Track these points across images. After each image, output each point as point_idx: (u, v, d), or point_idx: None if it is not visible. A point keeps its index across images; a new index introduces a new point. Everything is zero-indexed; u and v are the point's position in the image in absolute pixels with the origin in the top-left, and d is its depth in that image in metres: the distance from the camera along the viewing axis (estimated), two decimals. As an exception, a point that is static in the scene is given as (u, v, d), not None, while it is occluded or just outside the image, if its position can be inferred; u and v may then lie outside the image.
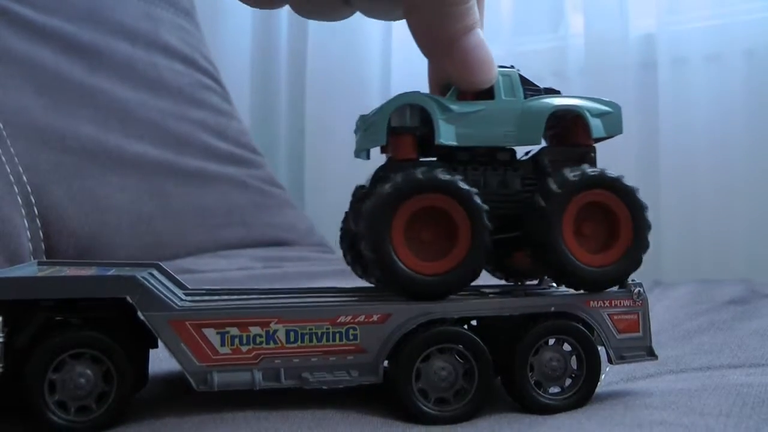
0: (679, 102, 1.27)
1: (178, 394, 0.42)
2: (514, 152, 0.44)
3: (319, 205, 1.47)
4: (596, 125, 0.43)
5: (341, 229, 0.51)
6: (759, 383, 0.45)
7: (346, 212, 0.50)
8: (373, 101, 1.52)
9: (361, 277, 0.50)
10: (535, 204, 0.41)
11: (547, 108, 0.43)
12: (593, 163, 0.43)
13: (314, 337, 0.41)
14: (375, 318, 0.41)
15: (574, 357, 0.43)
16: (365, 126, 0.43)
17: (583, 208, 0.41)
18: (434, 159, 0.43)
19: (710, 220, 1.25)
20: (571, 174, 0.41)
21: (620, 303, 0.44)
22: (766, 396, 0.42)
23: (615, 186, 0.41)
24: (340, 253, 0.53)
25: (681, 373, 0.50)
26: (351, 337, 0.41)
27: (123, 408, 0.39)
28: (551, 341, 0.43)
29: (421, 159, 0.43)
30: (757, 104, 1.22)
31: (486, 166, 0.43)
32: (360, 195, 0.47)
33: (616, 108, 0.44)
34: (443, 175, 0.39)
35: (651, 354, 0.45)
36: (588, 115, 0.43)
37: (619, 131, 0.44)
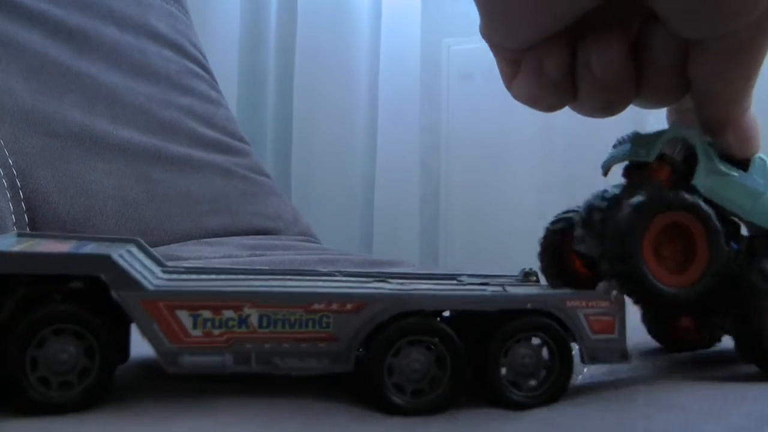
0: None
1: (158, 375, 0.42)
2: (738, 226, 0.46)
3: (306, 195, 1.48)
4: None
5: (541, 255, 0.52)
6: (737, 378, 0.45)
7: (548, 228, 0.53)
8: (361, 92, 1.53)
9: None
10: (748, 282, 0.44)
11: None
12: None
13: (287, 323, 0.40)
14: (349, 307, 0.41)
15: (547, 354, 0.43)
16: (636, 141, 0.45)
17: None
18: None
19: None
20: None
21: (597, 304, 0.44)
22: (747, 392, 0.42)
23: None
24: (323, 243, 0.53)
25: (648, 369, 0.50)
26: (324, 325, 0.41)
27: (106, 384, 0.39)
28: (525, 338, 0.43)
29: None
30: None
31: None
32: (596, 205, 0.47)
33: None
34: (690, 196, 0.42)
35: (624, 356, 0.44)
36: None
37: None
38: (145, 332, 0.39)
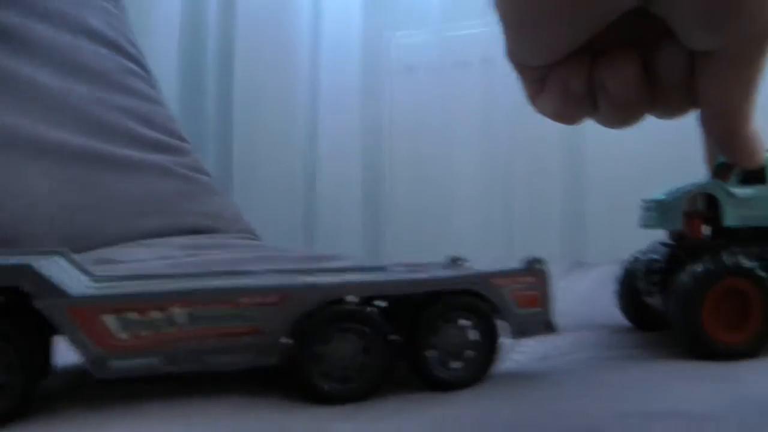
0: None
1: (84, 384, 0.42)
2: None
3: (248, 191, 1.47)
4: None
5: (620, 285, 0.60)
6: (658, 360, 0.47)
7: (624, 272, 0.60)
8: (302, 86, 1.52)
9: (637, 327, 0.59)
10: None
11: None
12: None
13: (214, 320, 0.40)
14: (273, 299, 0.41)
15: (475, 333, 0.44)
16: (660, 210, 0.52)
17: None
18: (720, 239, 0.51)
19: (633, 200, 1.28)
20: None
21: (522, 280, 0.45)
22: (661, 372, 0.43)
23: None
24: (265, 239, 0.54)
25: (591, 351, 0.51)
26: (250, 319, 0.41)
27: (27, 400, 0.38)
28: (453, 318, 0.43)
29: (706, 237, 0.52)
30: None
31: (761, 240, 0.50)
32: (656, 267, 0.53)
33: None
34: (745, 262, 0.47)
35: (550, 328, 0.46)
36: None
37: None
38: (72, 340, 0.39)
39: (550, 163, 1.36)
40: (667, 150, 1.25)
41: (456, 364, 0.43)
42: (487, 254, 1.30)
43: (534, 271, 0.45)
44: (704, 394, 0.37)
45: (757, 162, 0.46)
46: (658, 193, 0.54)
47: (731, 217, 0.50)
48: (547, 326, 0.46)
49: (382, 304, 0.45)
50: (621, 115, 0.44)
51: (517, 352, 0.53)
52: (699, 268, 0.48)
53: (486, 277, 0.44)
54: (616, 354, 0.50)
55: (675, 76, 0.43)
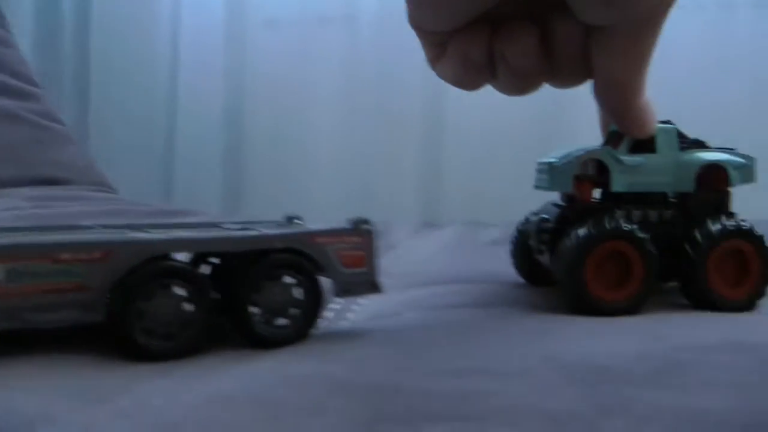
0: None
1: None
2: (666, 194, 0.55)
3: (105, 142, 1.43)
4: (735, 176, 0.54)
5: (513, 244, 0.63)
6: (484, 318, 0.48)
7: (515, 233, 0.63)
8: (162, 37, 1.48)
9: (530, 283, 0.62)
10: (689, 244, 0.52)
11: (699, 162, 0.54)
12: (729, 206, 0.55)
13: (35, 276, 0.39)
14: (96, 255, 0.40)
15: (299, 291, 0.44)
16: (552, 173, 0.54)
17: (724, 252, 0.52)
18: (608, 202, 0.54)
19: (490, 163, 1.32)
20: (712, 227, 0.52)
21: (347, 239, 0.45)
22: (482, 330, 0.45)
23: (749, 235, 0.53)
24: (122, 193, 0.53)
25: (421, 311, 0.53)
26: (74, 275, 0.40)
27: None
28: (277, 276, 0.44)
29: (596, 200, 0.55)
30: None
31: (646, 205, 0.53)
32: (545, 227, 0.56)
33: (752, 160, 0.55)
34: (626, 226, 0.51)
35: (375, 288, 0.47)
36: (730, 168, 0.54)
37: (753, 181, 0.55)
38: None
39: (409, 122, 1.37)
40: (524, 112, 1.28)
41: (280, 322, 0.44)
42: (345, 213, 1.31)
43: (360, 231, 0.46)
44: (514, 352, 0.39)
45: (647, 132, 0.52)
46: (551, 156, 0.56)
47: (618, 183, 0.53)
48: (372, 286, 0.47)
49: (216, 261, 0.46)
50: (519, 83, 0.48)
51: (350, 311, 0.55)
52: (583, 230, 0.51)
53: (310, 236, 0.45)
54: (453, 312, 0.52)
55: (570, 49, 0.46)
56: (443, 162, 1.37)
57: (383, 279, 0.65)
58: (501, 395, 0.30)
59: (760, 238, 0.53)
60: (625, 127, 0.53)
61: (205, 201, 1.40)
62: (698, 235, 0.52)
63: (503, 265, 0.68)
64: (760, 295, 0.53)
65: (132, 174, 1.37)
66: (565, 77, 0.49)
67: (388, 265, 0.73)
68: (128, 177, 1.29)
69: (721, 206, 0.55)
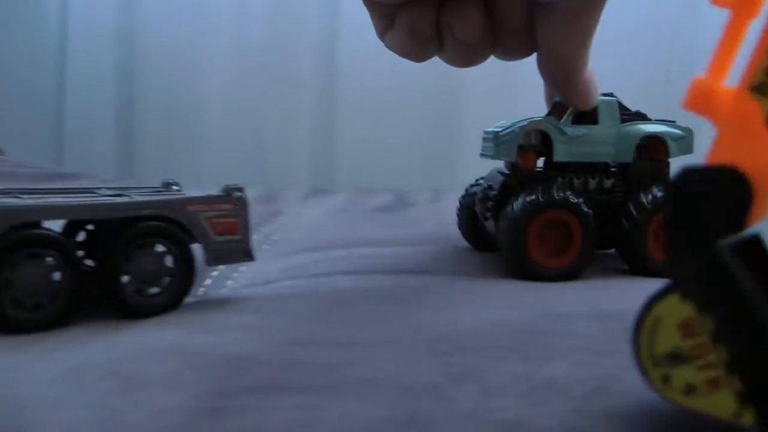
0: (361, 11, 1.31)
1: None
2: (608, 163, 0.57)
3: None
4: (674, 147, 0.56)
5: (459, 212, 0.64)
6: (361, 287, 0.48)
7: (462, 199, 0.64)
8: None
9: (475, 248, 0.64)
10: (628, 213, 0.55)
11: (639, 134, 0.56)
12: (668, 175, 0.57)
13: None
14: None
15: (170, 259, 0.44)
16: (497, 142, 0.55)
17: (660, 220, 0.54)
18: (551, 171, 0.56)
19: (383, 130, 1.33)
20: (644, 199, 0.54)
21: (219, 207, 0.45)
22: (357, 299, 0.45)
23: None
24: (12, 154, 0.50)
25: (298, 279, 0.53)
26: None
27: None
28: (147, 244, 0.43)
29: (539, 169, 0.57)
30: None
31: (587, 173, 0.56)
32: (490, 194, 0.57)
33: (690, 132, 0.57)
34: (567, 195, 0.52)
35: (248, 256, 0.46)
36: (669, 140, 0.56)
37: (690, 152, 0.57)
38: None
39: (303, 85, 1.36)
40: (421, 78, 1.29)
41: (152, 291, 0.43)
42: (237, 175, 1.30)
43: (232, 198, 0.45)
44: (382, 323, 0.39)
45: (590, 105, 0.55)
46: (497, 125, 0.57)
47: (561, 153, 0.55)
48: (245, 254, 0.46)
49: (92, 228, 0.44)
50: (465, 55, 0.49)
51: (230, 278, 0.54)
52: (525, 199, 0.52)
53: (182, 204, 0.44)
54: (330, 280, 0.52)
55: (516, 23, 0.48)
56: (337, 126, 1.36)
57: (266, 246, 0.66)
58: (360, 366, 0.30)
59: None
60: (569, 99, 0.54)
61: (98, 162, 1.37)
62: (634, 205, 0.54)
63: (388, 232, 0.69)
64: None
65: (20, 133, 1.32)
66: (511, 50, 0.51)
67: (273, 231, 0.72)
68: (16, 137, 1.25)
69: (659, 176, 0.57)
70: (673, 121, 0.58)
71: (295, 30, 1.34)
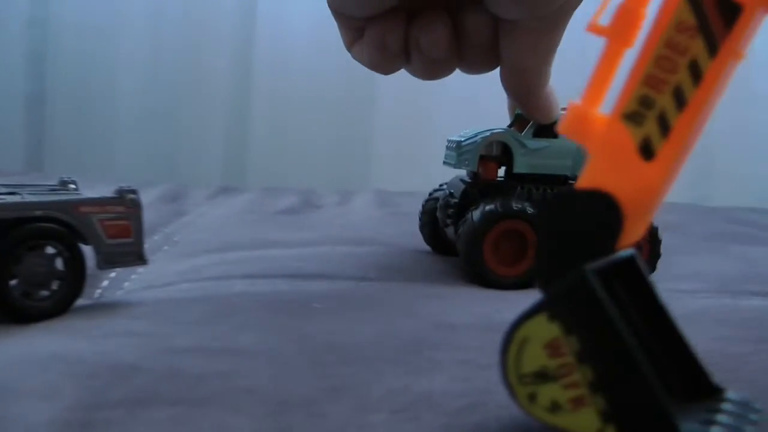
0: (277, 12, 1.31)
1: None
2: (567, 176, 0.58)
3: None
4: None
5: (421, 216, 0.66)
6: (256, 292, 0.48)
7: (425, 203, 0.66)
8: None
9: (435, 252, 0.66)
10: None
11: None
12: None
13: None
14: None
15: (60, 261, 0.43)
16: (459, 151, 0.57)
17: None
18: (510, 181, 0.57)
19: (297, 130, 1.32)
20: None
21: (112, 209, 0.44)
22: (251, 305, 0.44)
23: None
24: None
25: (195, 282, 0.52)
26: None
27: None
28: (37, 246, 0.42)
29: (500, 179, 0.59)
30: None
31: (546, 185, 0.57)
32: (450, 202, 0.59)
33: None
34: (523, 206, 0.54)
35: (140, 259, 0.46)
36: None
37: None
38: None
39: (216, 81, 1.35)
40: (332, 79, 1.28)
41: (41, 294, 0.42)
42: (148, 172, 1.28)
43: (125, 200, 0.45)
44: (271, 330, 0.38)
45: (550, 118, 0.56)
46: (460, 135, 0.59)
47: (520, 165, 0.57)
48: (137, 257, 0.45)
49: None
50: (432, 69, 0.51)
51: (128, 280, 0.53)
52: (484, 208, 0.54)
53: (73, 205, 0.43)
54: (226, 284, 0.51)
55: (481, 39, 0.50)
56: (250, 125, 1.35)
57: (167, 247, 0.65)
58: (239, 377, 0.30)
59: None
60: (530, 113, 0.56)
61: (6, 154, 1.33)
62: None
63: (290, 234, 0.69)
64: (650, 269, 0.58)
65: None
66: (475, 64, 0.52)
67: (175, 232, 0.72)
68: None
69: None
70: None
71: (211, 25, 1.33)
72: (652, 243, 0.57)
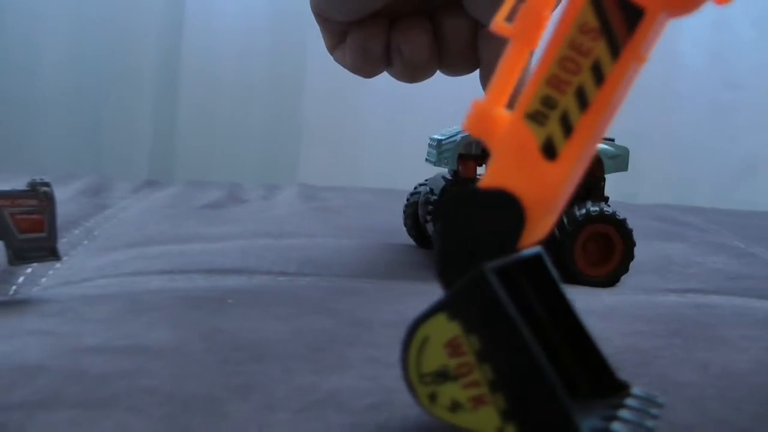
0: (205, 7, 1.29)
1: None
2: None
3: None
4: (609, 164, 0.59)
5: (405, 209, 0.67)
6: (173, 287, 0.48)
7: (409, 197, 0.66)
8: None
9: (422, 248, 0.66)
10: (560, 224, 0.57)
11: None
12: (602, 190, 0.60)
13: None
14: None
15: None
16: (439, 150, 0.58)
17: (589, 234, 0.57)
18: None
19: (225, 123, 1.31)
20: (577, 212, 0.57)
21: (24, 202, 0.43)
22: (165, 301, 0.44)
23: (612, 220, 0.57)
24: None
25: (112, 277, 0.51)
26: None
27: None
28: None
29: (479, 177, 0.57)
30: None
31: None
32: (430, 199, 0.60)
33: (625, 151, 0.59)
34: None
35: (53, 254, 0.45)
36: (604, 157, 0.59)
37: (625, 170, 0.60)
38: None
39: (143, 72, 1.33)
40: (260, 71, 1.28)
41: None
42: (72, 164, 1.25)
43: (38, 194, 0.43)
44: (180, 327, 0.38)
45: None
46: (441, 133, 0.60)
47: None
48: (51, 252, 0.44)
49: None
50: (413, 73, 0.52)
51: (46, 276, 0.52)
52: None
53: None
54: (144, 280, 0.51)
55: (461, 42, 0.51)
56: (178, 116, 1.33)
57: (86, 241, 0.64)
58: (144, 377, 0.29)
59: (623, 222, 0.58)
60: None
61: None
62: (565, 219, 0.57)
63: (213, 228, 0.68)
64: (622, 272, 0.58)
65: None
66: (456, 67, 0.53)
67: (96, 225, 0.70)
68: None
69: (594, 191, 0.60)
70: (612, 140, 0.61)
71: (138, 15, 1.30)
72: (625, 242, 0.58)
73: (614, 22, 0.24)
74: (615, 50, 0.24)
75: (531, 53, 0.26)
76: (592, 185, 0.60)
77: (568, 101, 0.24)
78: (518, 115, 0.25)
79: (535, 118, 0.24)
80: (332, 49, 0.53)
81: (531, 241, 0.26)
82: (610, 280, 0.58)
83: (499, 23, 0.25)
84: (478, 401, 0.23)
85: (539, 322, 0.27)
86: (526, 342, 0.23)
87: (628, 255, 0.58)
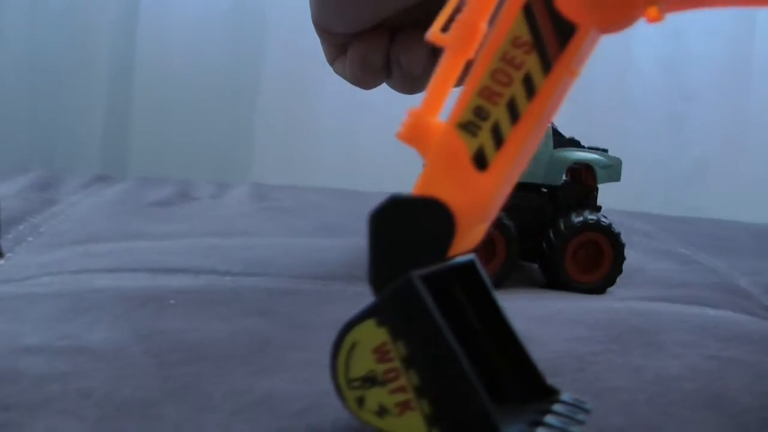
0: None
1: None
2: (538, 184, 0.60)
3: None
4: (601, 174, 0.60)
5: None
6: (116, 286, 0.47)
7: None
8: None
9: None
10: (552, 232, 0.58)
11: (568, 159, 0.59)
12: (595, 200, 0.61)
13: None
14: None
15: None
16: None
17: (581, 242, 0.59)
18: None
19: (179, 119, 1.30)
20: (575, 219, 0.59)
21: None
22: (107, 300, 0.43)
23: (605, 229, 0.59)
24: None
25: (56, 275, 0.51)
26: None
27: None
28: None
29: None
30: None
31: (519, 191, 0.53)
32: None
33: (618, 162, 0.61)
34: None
35: (-2, 254, 0.44)
36: (597, 167, 0.60)
37: (618, 180, 0.61)
38: None
39: (98, 65, 1.31)
40: (218, 68, 1.27)
41: None
42: (23, 158, 1.24)
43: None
44: (122, 329, 0.37)
45: None
46: None
47: None
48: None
49: None
50: (412, 84, 0.52)
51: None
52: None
53: None
54: (89, 277, 0.50)
55: None
56: (132, 111, 1.32)
57: (31, 238, 0.63)
58: (80, 378, 0.29)
59: (614, 232, 0.59)
60: None
61: None
62: (561, 225, 0.58)
63: (161, 226, 0.68)
64: (610, 282, 0.60)
65: None
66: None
67: (42, 222, 0.70)
68: None
69: (587, 200, 0.61)
70: (606, 150, 0.62)
71: (92, 7, 1.29)
72: (615, 248, 0.59)
73: (546, 37, 0.24)
74: (546, 64, 0.24)
75: (466, 63, 0.26)
76: (584, 195, 0.61)
77: (499, 113, 0.25)
78: (451, 125, 0.25)
79: (468, 128, 0.25)
80: (332, 61, 0.54)
81: (462, 249, 0.26)
82: (595, 288, 0.59)
83: (434, 33, 0.26)
84: (404, 406, 0.24)
85: (470, 329, 0.28)
86: (450, 349, 0.23)
87: (617, 266, 0.59)
